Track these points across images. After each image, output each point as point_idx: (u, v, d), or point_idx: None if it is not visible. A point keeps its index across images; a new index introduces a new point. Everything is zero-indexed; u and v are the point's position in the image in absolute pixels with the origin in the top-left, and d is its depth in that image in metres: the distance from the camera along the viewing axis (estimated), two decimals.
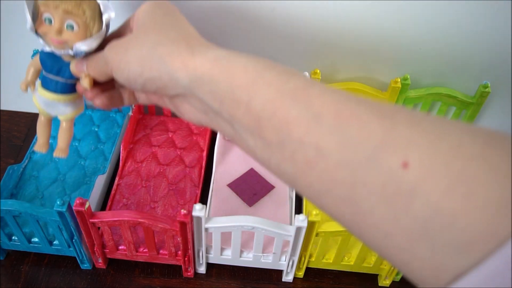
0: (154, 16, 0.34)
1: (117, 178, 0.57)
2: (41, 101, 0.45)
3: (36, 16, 0.40)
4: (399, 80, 0.56)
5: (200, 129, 0.63)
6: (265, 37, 0.56)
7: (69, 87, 0.44)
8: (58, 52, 0.41)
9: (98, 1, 0.40)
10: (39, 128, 0.48)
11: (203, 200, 0.56)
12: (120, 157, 0.59)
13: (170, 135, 0.62)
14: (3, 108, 0.68)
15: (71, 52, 0.41)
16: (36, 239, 0.51)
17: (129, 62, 0.32)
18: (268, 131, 0.25)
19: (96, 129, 0.62)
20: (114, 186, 0.56)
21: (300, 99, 0.25)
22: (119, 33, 0.38)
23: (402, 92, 0.56)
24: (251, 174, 0.58)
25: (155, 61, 0.31)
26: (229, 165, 0.58)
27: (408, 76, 0.56)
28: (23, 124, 0.66)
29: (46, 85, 0.44)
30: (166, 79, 0.30)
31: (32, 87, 0.46)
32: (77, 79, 0.43)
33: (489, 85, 0.55)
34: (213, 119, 0.30)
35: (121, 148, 0.59)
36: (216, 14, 0.54)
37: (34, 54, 0.55)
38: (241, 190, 0.56)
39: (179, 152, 0.61)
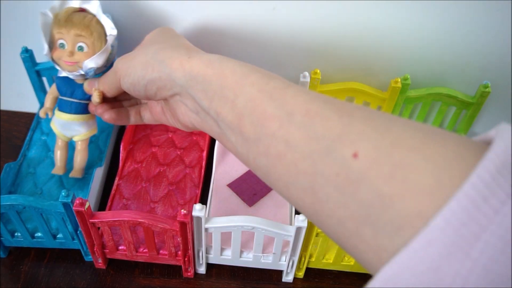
0: (159, 35, 0.40)
1: (116, 179, 0.57)
2: (57, 124, 0.51)
3: (52, 45, 0.47)
4: (399, 80, 0.55)
5: None
6: (265, 37, 0.56)
7: (82, 107, 0.50)
8: (71, 74, 0.48)
9: (102, 22, 0.47)
10: (57, 151, 0.53)
11: (203, 200, 0.56)
12: (120, 157, 0.59)
13: (170, 135, 0.62)
14: (3, 108, 0.68)
15: (82, 71, 0.47)
16: (39, 234, 0.51)
17: (135, 67, 0.37)
18: (247, 127, 0.28)
19: None
20: (114, 187, 0.56)
21: (277, 98, 0.28)
22: None
23: (402, 92, 0.56)
24: (251, 174, 0.57)
25: (156, 64, 0.35)
26: (229, 165, 0.58)
27: (408, 76, 0.56)
28: (23, 124, 0.66)
29: (62, 107, 0.50)
30: (165, 78, 0.34)
31: (50, 113, 0.53)
32: (89, 100, 0.49)
33: (489, 85, 0.55)
34: (203, 118, 0.34)
35: (121, 148, 0.59)
36: (216, 13, 0.54)
37: (22, 52, 0.55)
38: (241, 190, 0.56)
39: (179, 152, 0.61)
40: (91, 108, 0.49)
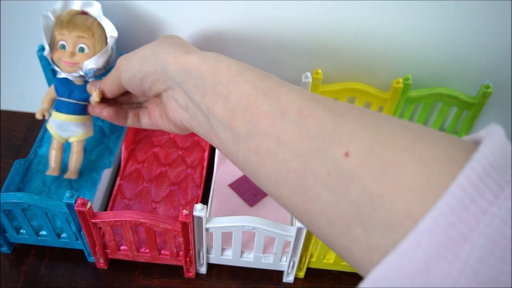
0: (163, 38, 0.41)
1: (118, 179, 0.57)
2: (54, 125, 0.51)
3: (52, 46, 0.48)
4: (401, 80, 0.55)
5: None
6: (265, 38, 0.56)
7: (80, 108, 0.50)
8: (70, 75, 0.48)
9: (103, 25, 0.48)
10: (52, 153, 0.54)
11: (205, 200, 0.56)
12: (122, 157, 0.59)
13: (172, 135, 0.62)
14: (3, 108, 0.68)
15: (81, 72, 0.47)
16: (44, 232, 0.51)
17: (134, 62, 0.38)
18: (238, 123, 0.28)
19: (101, 124, 0.62)
20: (116, 187, 0.56)
21: (271, 96, 0.28)
22: None
23: (404, 92, 0.56)
24: None
25: (153, 58, 0.36)
26: (230, 165, 0.58)
27: (410, 76, 0.56)
28: (22, 124, 0.66)
29: (59, 108, 0.51)
30: (160, 72, 0.35)
31: (46, 114, 0.53)
32: (87, 101, 0.49)
33: (491, 85, 0.55)
34: (192, 115, 0.34)
35: (123, 149, 0.59)
36: (215, 14, 0.54)
37: (39, 50, 0.55)
38: (242, 190, 0.56)
39: (180, 153, 0.61)
40: (89, 109, 0.49)
